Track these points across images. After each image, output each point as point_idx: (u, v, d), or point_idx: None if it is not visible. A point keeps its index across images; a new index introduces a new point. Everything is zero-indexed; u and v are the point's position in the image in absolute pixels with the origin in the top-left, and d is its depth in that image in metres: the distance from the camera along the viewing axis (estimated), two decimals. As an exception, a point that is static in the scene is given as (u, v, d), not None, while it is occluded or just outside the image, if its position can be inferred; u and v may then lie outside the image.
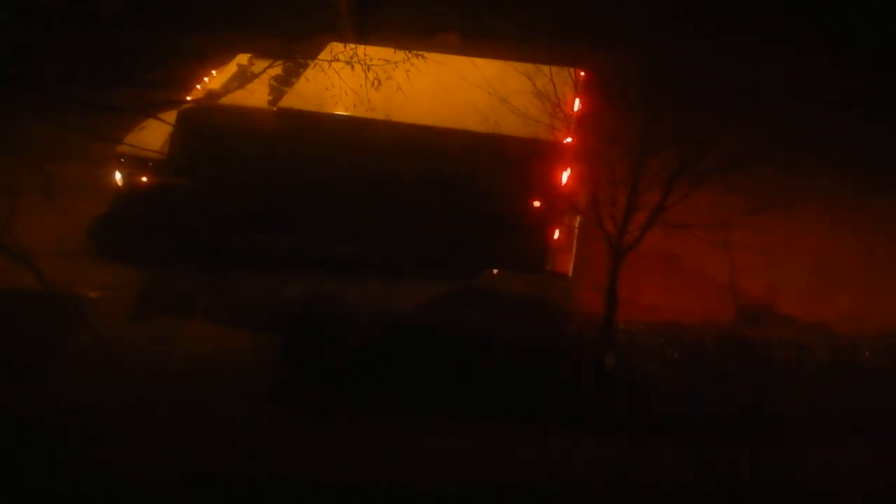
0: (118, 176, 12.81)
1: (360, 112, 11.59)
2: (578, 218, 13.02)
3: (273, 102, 12.06)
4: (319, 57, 12.23)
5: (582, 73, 12.10)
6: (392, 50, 11.69)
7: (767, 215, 13.45)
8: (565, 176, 11.68)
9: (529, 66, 11.95)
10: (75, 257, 12.39)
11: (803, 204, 13.80)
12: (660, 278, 12.64)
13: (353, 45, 11.82)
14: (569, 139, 11.33)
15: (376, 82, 11.35)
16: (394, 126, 11.59)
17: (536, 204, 11.52)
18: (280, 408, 10.24)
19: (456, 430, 9.95)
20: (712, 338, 11.40)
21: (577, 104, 11.87)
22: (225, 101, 12.07)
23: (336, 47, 12.20)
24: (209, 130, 11.90)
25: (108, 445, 9.47)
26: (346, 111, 11.70)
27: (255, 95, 12.15)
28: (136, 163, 12.44)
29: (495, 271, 12.33)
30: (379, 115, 11.55)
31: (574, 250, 12.60)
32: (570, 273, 12.31)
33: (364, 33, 17.44)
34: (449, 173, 11.65)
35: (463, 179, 11.60)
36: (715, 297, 12.36)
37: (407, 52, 11.65)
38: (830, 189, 14.44)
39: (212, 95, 12.11)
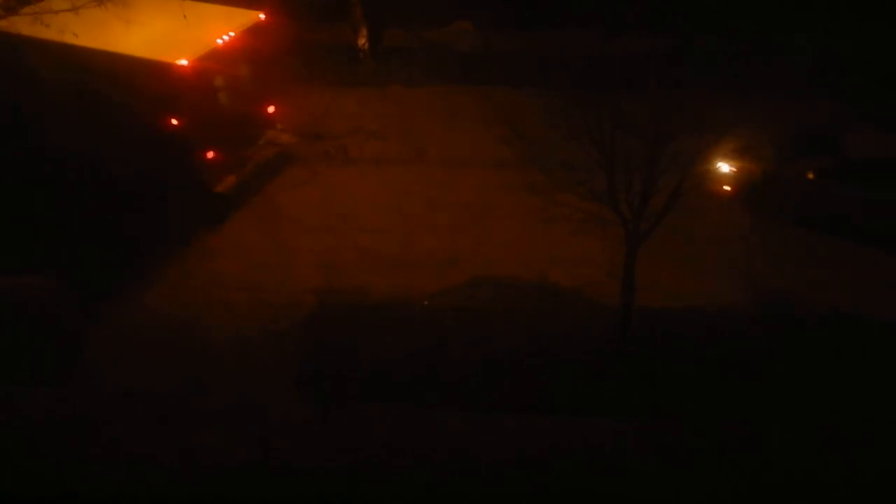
0: None
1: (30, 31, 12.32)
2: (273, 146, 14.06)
3: None
4: None
5: (261, 17, 13.45)
6: None
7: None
8: (197, 97, 12.30)
9: (189, 3, 12.89)
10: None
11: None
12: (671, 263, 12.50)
13: None
14: (184, 62, 12.06)
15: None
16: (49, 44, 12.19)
17: (175, 122, 12.12)
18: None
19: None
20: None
21: (226, 39, 12.79)
22: None
23: None
24: None
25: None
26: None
27: None
28: None
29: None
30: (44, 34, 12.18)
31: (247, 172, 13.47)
32: (231, 194, 13.19)
33: (376, 23, 17.72)
34: (97, 91, 12.19)
35: (112, 98, 12.14)
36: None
37: None
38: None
39: None
